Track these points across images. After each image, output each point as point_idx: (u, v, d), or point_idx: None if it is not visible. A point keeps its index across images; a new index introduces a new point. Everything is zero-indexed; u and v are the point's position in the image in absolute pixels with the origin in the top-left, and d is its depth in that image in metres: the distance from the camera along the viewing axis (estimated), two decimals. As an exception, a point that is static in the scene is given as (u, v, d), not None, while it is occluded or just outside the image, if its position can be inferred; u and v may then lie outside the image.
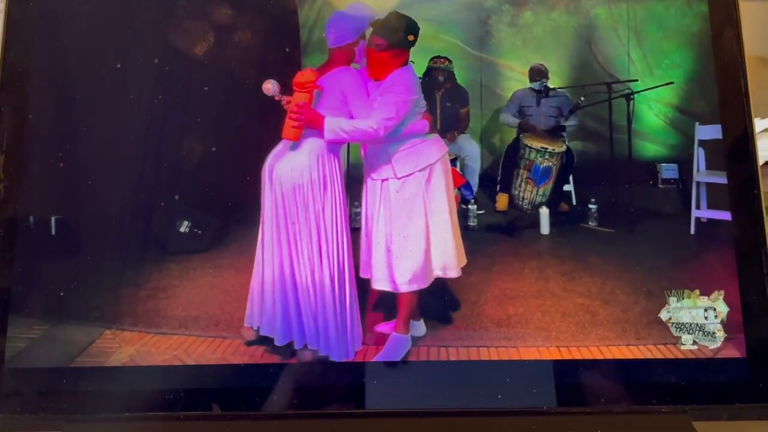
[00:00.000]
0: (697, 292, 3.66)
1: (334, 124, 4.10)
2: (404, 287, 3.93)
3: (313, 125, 4.16)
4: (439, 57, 6.43)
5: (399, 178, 4.06)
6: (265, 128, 6.09)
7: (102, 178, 5.07)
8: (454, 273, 4.06)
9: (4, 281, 2.96)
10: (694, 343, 3.45)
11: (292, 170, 4.05)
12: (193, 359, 3.65)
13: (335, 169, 4.12)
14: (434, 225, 4.10)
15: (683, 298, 3.69)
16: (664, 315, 3.64)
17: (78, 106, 5.23)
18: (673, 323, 3.58)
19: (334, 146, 4.09)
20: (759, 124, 4.16)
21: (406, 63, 4.25)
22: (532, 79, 6.42)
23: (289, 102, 4.23)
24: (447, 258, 4.11)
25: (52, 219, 5.10)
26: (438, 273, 4.05)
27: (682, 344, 3.47)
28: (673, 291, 3.74)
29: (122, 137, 4.95)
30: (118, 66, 5.29)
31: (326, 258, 3.99)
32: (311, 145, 4.11)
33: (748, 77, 3.73)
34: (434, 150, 4.24)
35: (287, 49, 6.99)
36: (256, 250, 4.11)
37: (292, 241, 4.02)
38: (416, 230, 4.03)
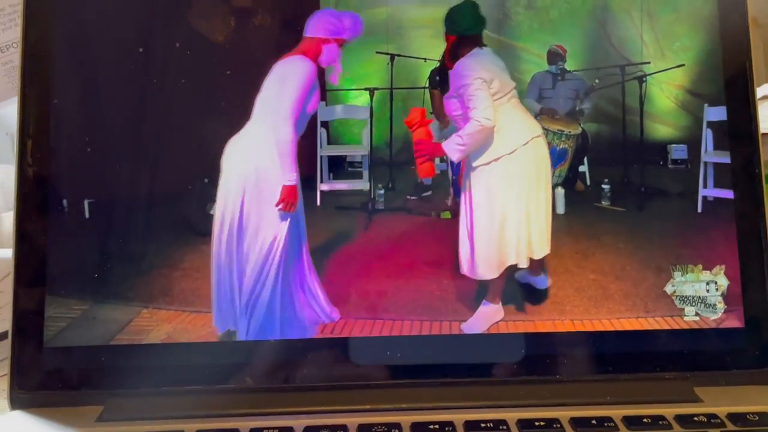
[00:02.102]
0: (700, 266, 3.83)
1: (452, 144, 4.29)
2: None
3: (438, 154, 4.35)
4: (458, 43, 6.56)
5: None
6: None
7: (131, 162, 5.21)
8: None
9: (40, 264, 3.11)
10: (697, 314, 3.65)
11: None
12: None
13: None
14: None
15: (687, 273, 3.86)
16: (669, 288, 3.85)
17: (103, 90, 5.37)
18: (677, 296, 3.78)
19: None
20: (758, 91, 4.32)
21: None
22: (550, 62, 6.54)
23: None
24: None
25: (85, 203, 5.25)
26: None
27: (686, 316, 3.67)
28: (678, 266, 3.85)
29: (148, 121, 5.10)
30: (140, 50, 5.42)
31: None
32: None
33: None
34: None
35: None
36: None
37: None
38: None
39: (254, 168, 3.73)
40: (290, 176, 3.61)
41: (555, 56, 6.62)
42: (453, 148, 4.14)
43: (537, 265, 4.13)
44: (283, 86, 3.68)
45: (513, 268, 4.01)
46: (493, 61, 4.00)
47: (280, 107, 3.62)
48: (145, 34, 4.58)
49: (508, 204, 3.91)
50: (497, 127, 3.90)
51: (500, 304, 3.94)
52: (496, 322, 3.91)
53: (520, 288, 4.07)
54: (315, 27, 3.92)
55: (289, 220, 3.66)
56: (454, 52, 4.10)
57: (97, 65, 4.43)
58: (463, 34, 4.01)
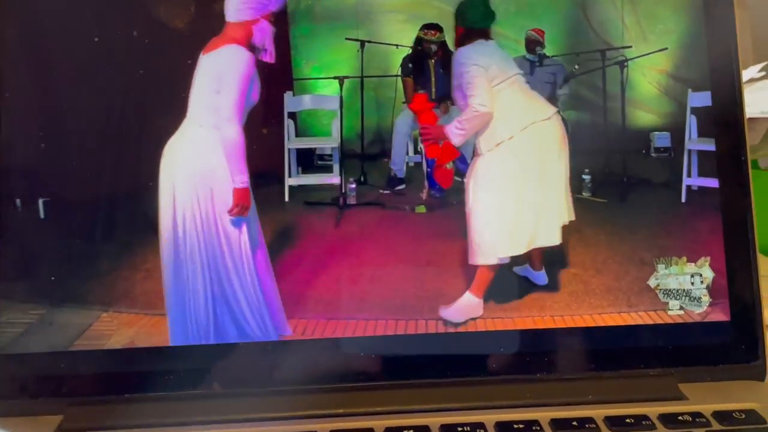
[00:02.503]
0: (685, 258, 3.89)
1: (453, 129, 4.38)
2: None
3: (441, 137, 4.44)
4: (429, 29, 6.57)
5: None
6: (259, 99, 6.25)
7: (87, 158, 5.19)
8: None
9: (-6, 267, 3.08)
10: (681, 308, 3.70)
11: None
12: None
13: None
14: None
15: (671, 265, 3.92)
16: (652, 282, 3.92)
17: (57, 82, 5.36)
18: (661, 290, 3.84)
19: None
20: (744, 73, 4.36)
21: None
22: (528, 49, 6.60)
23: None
24: None
25: (40, 202, 5.24)
26: None
27: (670, 310, 3.72)
28: (661, 258, 3.91)
29: (105, 114, 5.08)
30: (96, 39, 5.40)
31: None
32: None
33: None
34: None
35: (275, 20, 7.12)
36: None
37: None
38: None
39: (200, 172, 3.66)
40: (241, 178, 3.57)
41: (533, 43, 6.71)
42: (453, 132, 4.38)
43: (538, 259, 4.18)
44: (220, 82, 3.59)
45: (514, 260, 4.09)
46: (493, 50, 4.17)
47: (221, 105, 3.55)
48: (100, 24, 4.55)
49: (507, 190, 4.01)
50: (498, 113, 4.10)
51: (481, 299, 3.99)
52: (474, 318, 3.97)
53: (507, 282, 4.14)
54: (237, 9, 3.75)
55: (244, 225, 3.62)
56: (460, 43, 4.27)
57: (41, 61, 4.40)
58: (471, 26, 4.19)
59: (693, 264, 3.77)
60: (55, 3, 4.56)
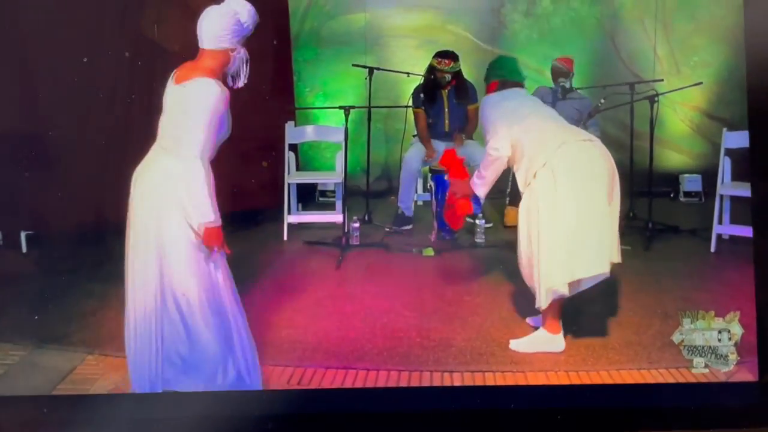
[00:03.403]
0: (713, 313, 3.91)
1: (475, 180, 4.68)
2: None
3: (469, 193, 4.84)
4: (443, 57, 6.73)
5: None
6: (245, 131, 6.32)
7: (74, 189, 5.28)
8: None
9: (-30, 304, 3.16)
10: (706, 366, 3.76)
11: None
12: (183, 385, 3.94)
13: None
14: None
15: (697, 320, 3.97)
16: (676, 337, 3.94)
17: (42, 109, 5.45)
18: (685, 346, 3.90)
19: None
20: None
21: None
22: (554, 79, 6.73)
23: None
24: None
25: (22, 235, 5.31)
26: None
27: (694, 367, 3.80)
28: (687, 312, 3.96)
29: (93, 141, 5.17)
30: (84, 60, 5.47)
31: None
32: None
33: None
34: None
35: (275, 42, 7.23)
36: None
37: None
38: None
39: (167, 208, 3.76)
40: (209, 216, 3.71)
41: (557, 73, 6.80)
42: (476, 184, 4.69)
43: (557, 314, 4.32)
44: (188, 117, 3.79)
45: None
46: (521, 94, 4.69)
47: (191, 141, 3.74)
48: (89, 47, 4.65)
49: (552, 217, 4.28)
50: (529, 148, 4.36)
51: (560, 334, 4.35)
52: (551, 351, 4.27)
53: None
54: (216, 37, 3.97)
55: (212, 265, 3.69)
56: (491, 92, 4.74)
57: (36, 87, 4.47)
58: (505, 78, 4.71)
59: (721, 319, 3.78)
60: (35, 47, 4.66)
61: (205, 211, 3.71)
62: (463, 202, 5.12)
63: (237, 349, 3.89)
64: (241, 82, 4.17)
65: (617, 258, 4.34)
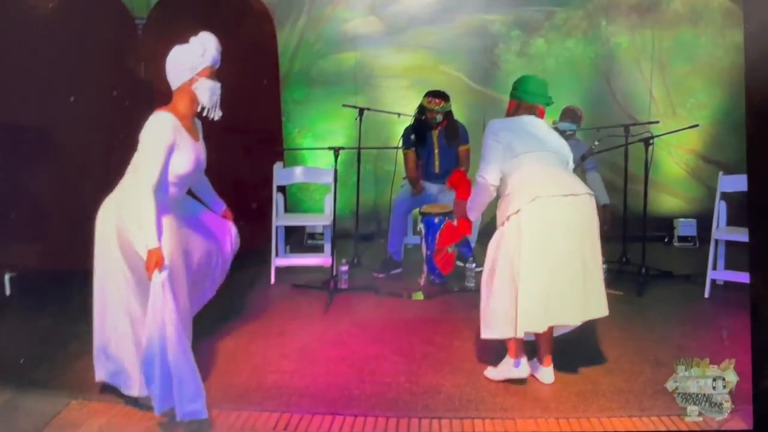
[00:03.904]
0: (707, 360, 4.01)
1: (469, 203, 5.04)
2: None
3: (464, 214, 5.10)
4: (434, 96, 6.87)
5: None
6: (232, 172, 6.46)
7: (59, 229, 5.37)
8: None
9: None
10: (700, 414, 3.86)
11: None
12: (168, 430, 4.02)
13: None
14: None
15: (692, 367, 4.05)
16: (670, 385, 4.03)
17: (28, 147, 5.52)
18: (679, 393, 4.00)
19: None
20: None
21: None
22: (561, 119, 6.88)
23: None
24: None
25: (6, 277, 5.39)
26: None
27: (688, 416, 3.90)
28: (682, 359, 4.04)
29: (80, 182, 5.26)
30: (72, 99, 5.53)
31: None
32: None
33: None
34: None
35: (265, 81, 7.36)
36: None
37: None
38: None
39: (122, 233, 4.09)
40: (156, 243, 3.99)
41: (570, 116, 6.92)
42: (469, 207, 4.95)
43: (548, 352, 4.42)
44: (140, 150, 4.10)
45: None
46: (526, 125, 4.67)
47: (141, 175, 4.04)
48: (76, 85, 4.76)
49: (505, 267, 4.46)
50: (513, 187, 4.51)
51: (522, 358, 4.54)
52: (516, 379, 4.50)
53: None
54: (174, 76, 4.30)
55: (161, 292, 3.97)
56: (508, 115, 4.83)
57: (22, 126, 4.53)
58: (521, 100, 4.76)
59: (716, 366, 3.85)
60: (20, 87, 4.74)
61: (151, 238, 3.97)
62: (462, 222, 5.26)
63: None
64: (214, 114, 4.38)
65: (597, 312, 4.50)
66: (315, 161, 8.47)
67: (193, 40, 4.29)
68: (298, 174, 7.44)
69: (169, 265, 4.07)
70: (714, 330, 5.68)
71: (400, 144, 7.34)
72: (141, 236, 4.00)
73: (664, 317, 5.91)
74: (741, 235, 6.27)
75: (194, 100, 4.29)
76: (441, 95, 7.22)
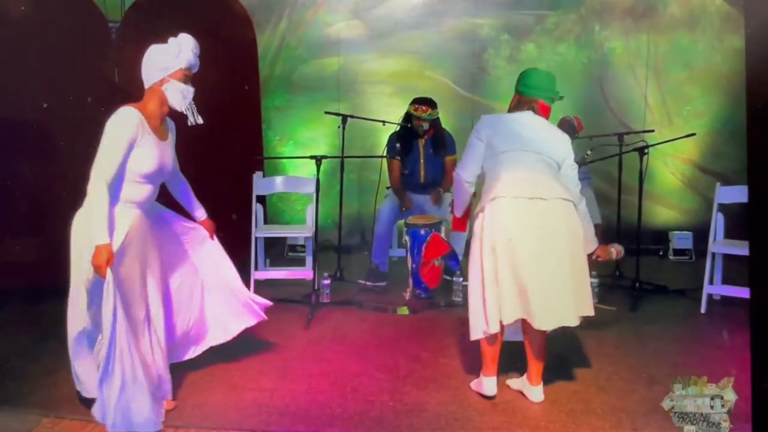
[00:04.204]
0: (705, 378, 3.95)
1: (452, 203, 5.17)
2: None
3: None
4: (420, 103, 6.87)
5: None
6: (210, 181, 6.44)
7: (31, 244, 5.35)
8: None
9: None
10: None
11: None
12: None
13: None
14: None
15: (689, 385, 3.98)
16: (666, 404, 3.95)
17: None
18: (675, 413, 3.95)
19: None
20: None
21: None
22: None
23: None
24: None
25: None
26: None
27: None
28: (679, 378, 3.98)
29: (52, 195, 5.26)
30: (45, 105, 5.52)
31: None
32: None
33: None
34: None
35: (246, 87, 7.35)
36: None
37: None
38: None
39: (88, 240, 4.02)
40: (105, 239, 3.91)
41: (567, 127, 6.92)
42: (454, 203, 5.07)
43: (537, 372, 4.42)
44: (100, 144, 4.05)
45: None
46: (518, 120, 4.66)
47: (96, 167, 3.99)
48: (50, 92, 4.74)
49: (474, 263, 4.54)
50: (487, 185, 4.55)
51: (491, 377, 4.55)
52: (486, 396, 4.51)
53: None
54: (147, 75, 4.30)
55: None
56: (510, 111, 4.80)
57: None
58: (522, 93, 4.73)
59: (714, 385, 3.83)
60: None
61: (99, 233, 3.90)
62: (435, 240, 5.23)
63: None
64: (195, 119, 4.37)
65: (561, 322, 4.43)
66: (296, 170, 8.45)
67: (171, 40, 4.28)
68: (278, 183, 7.43)
69: (125, 267, 4.05)
70: (710, 347, 5.69)
71: (385, 153, 7.37)
72: (91, 228, 3.94)
73: (658, 333, 5.90)
74: (739, 248, 6.32)
75: (164, 101, 4.29)
76: (428, 102, 7.23)
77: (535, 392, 4.68)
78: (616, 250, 5.02)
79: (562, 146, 4.64)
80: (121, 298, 4.00)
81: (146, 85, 4.29)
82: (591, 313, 4.48)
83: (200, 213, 4.90)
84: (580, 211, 4.52)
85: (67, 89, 5.29)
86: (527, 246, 4.39)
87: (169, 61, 4.25)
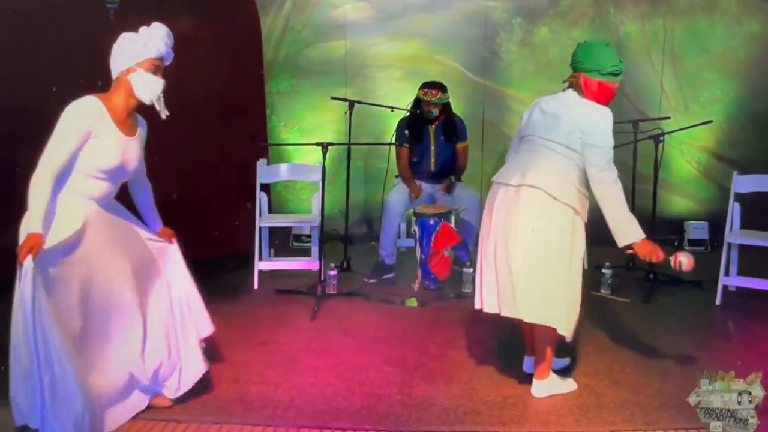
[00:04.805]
0: (732, 374, 3.95)
1: None
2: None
3: None
4: (430, 87, 6.89)
5: None
6: (212, 170, 6.47)
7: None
8: None
9: None
10: (724, 430, 3.88)
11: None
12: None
13: None
14: None
15: (716, 381, 3.99)
16: (693, 399, 3.97)
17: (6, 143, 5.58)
18: (702, 408, 3.96)
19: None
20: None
21: None
22: None
23: None
24: None
25: None
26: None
27: None
28: (705, 372, 3.99)
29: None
30: (54, 89, 5.55)
31: None
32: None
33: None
34: None
35: (246, 71, 7.40)
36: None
37: None
38: None
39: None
40: (38, 228, 3.77)
41: None
42: None
43: (536, 360, 4.50)
44: (54, 131, 3.98)
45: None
46: (547, 102, 4.69)
47: (44, 156, 3.91)
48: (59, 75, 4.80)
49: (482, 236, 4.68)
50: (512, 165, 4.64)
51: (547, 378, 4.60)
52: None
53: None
54: (114, 63, 4.22)
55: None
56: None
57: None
58: (575, 68, 4.66)
59: (742, 380, 3.90)
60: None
61: (34, 222, 3.77)
62: (445, 230, 5.27)
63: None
64: (161, 111, 4.26)
65: (514, 314, 4.51)
66: (301, 158, 8.46)
67: (142, 29, 4.20)
68: (283, 171, 7.46)
69: (63, 266, 3.92)
70: (725, 339, 5.77)
71: (394, 139, 7.37)
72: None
73: (672, 326, 6.00)
74: (756, 238, 6.43)
75: (130, 92, 4.20)
76: (438, 86, 7.26)
77: (534, 386, 4.68)
78: (687, 260, 4.50)
79: (579, 127, 4.51)
80: (45, 300, 3.78)
81: (113, 74, 4.22)
82: (527, 318, 4.45)
83: (158, 224, 4.70)
84: (601, 197, 4.43)
85: (67, 73, 5.33)
86: (496, 233, 4.55)
87: (137, 50, 4.16)
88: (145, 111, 4.20)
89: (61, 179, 3.96)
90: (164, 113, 4.27)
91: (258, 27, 8.14)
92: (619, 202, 4.43)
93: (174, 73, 4.23)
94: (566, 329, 4.45)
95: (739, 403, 3.88)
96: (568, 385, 4.73)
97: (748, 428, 3.86)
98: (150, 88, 4.18)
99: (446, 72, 8.32)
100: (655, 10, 8.65)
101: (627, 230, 4.43)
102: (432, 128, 7.27)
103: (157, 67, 4.21)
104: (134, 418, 4.22)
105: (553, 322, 4.43)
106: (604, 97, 4.59)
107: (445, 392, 4.74)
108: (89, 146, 4.00)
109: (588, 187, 4.49)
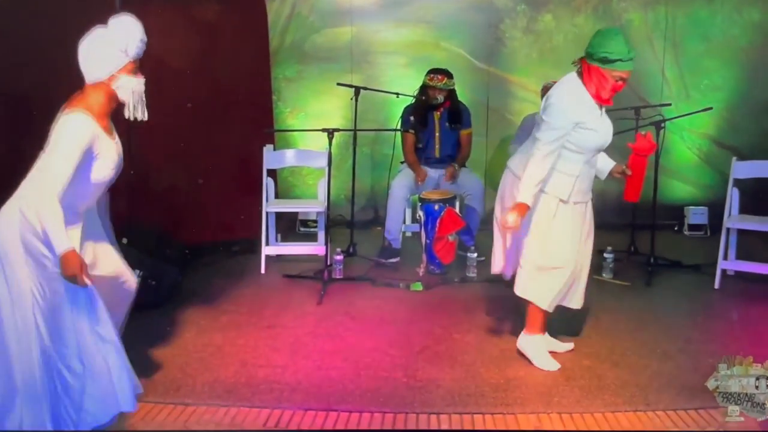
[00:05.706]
0: (751, 358, 4.02)
1: None
2: None
3: None
4: (436, 73, 6.92)
5: None
6: (218, 155, 6.47)
7: None
8: None
9: None
10: (741, 414, 3.91)
11: None
12: (153, 426, 4.22)
13: None
14: None
15: (734, 365, 4.06)
16: (711, 383, 4.04)
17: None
18: (720, 393, 4.02)
19: None
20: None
21: None
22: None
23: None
24: None
25: None
26: None
27: (728, 416, 3.95)
28: (724, 357, 4.06)
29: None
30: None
31: None
32: None
33: None
34: None
35: (252, 57, 7.40)
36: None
37: None
38: None
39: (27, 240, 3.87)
40: (68, 245, 3.72)
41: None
42: None
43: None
44: (51, 152, 3.85)
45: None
46: (555, 89, 4.82)
47: (49, 179, 3.79)
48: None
49: None
50: None
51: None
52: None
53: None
54: (90, 70, 3.98)
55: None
56: None
57: None
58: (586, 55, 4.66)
59: (760, 365, 3.97)
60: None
61: (62, 241, 3.69)
62: (450, 215, 5.31)
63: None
64: (140, 113, 4.06)
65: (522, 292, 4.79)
66: (308, 143, 8.50)
67: (114, 28, 3.97)
68: (289, 157, 7.48)
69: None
70: (724, 322, 5.83)
71: (399, 126, 7.39)
72: (53, 240, 3.71)
73: (672, 308, 6.05)
74: (754, 223, 6.51)
75: (113, 98, 4.03)
76: (444, 72, 7.29)
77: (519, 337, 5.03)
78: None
79: (542, 113, 4.71)
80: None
81: (89, 80, 3.99)
82: (515, 291, 4.82)
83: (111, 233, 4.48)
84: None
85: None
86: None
87: (118, 59, 3.96)
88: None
89: (64, 200, 3.81)
90: (145, 116, 4.07)
91: (264, 13, 8.12)
92: (528, 175, 4.52)
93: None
94: (545, 303, 4.72)
95: (756, 387, 3.94)
96: (547, 345, 4.96)
97: (765, 412, 3.92)
98: (136, 91, 4.03)
99: (451, 58, 8.37)
100: (657, -2, 8.63)
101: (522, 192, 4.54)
102: (437, 114, 7.30)
103: (137, 67, 4.05)
104: (141, 401, 4.17)
105: (531, 296, 4.74)
106: (597, 83, 4.68)
107: (449, 375, 4.79)
108: (95, 165, 3.91)
109: (571, 165, 4.67)
